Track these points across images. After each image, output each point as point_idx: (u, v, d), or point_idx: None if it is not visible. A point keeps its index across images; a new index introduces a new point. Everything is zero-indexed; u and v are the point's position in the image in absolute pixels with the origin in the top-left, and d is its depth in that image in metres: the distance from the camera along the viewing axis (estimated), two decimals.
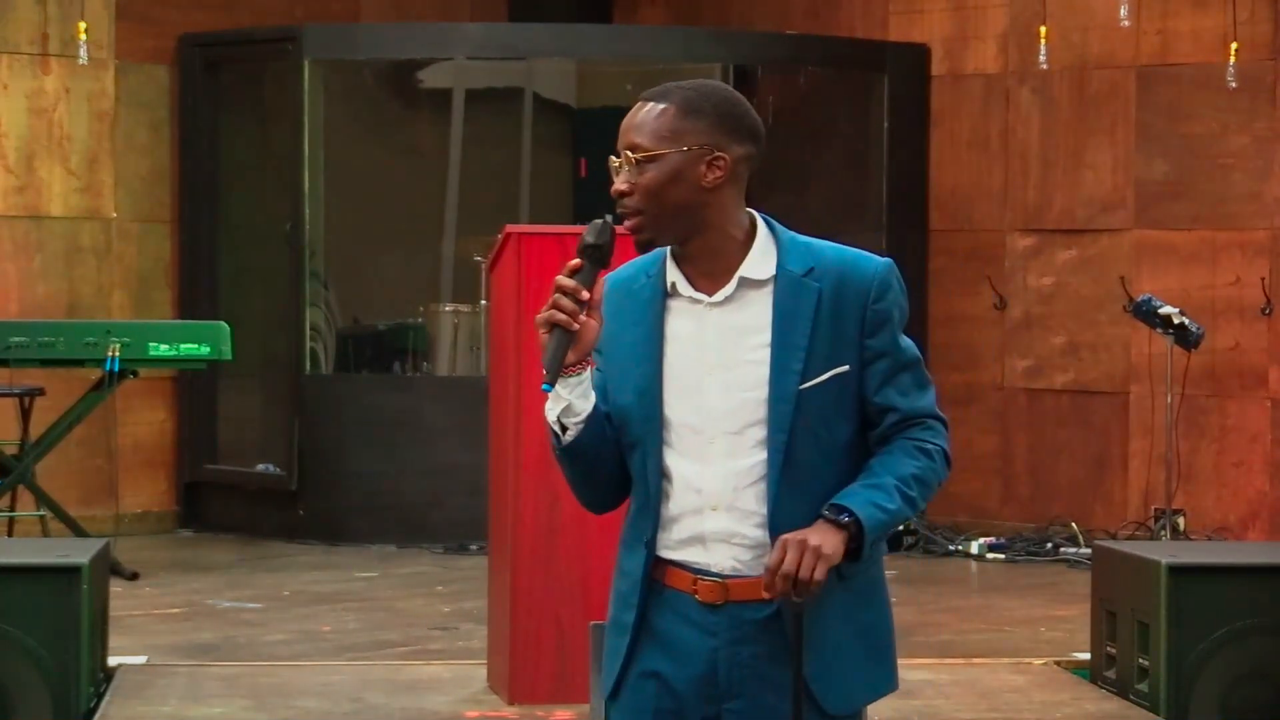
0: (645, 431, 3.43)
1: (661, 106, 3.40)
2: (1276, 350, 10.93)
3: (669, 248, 3.46)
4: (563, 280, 3.33)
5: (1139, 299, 10.34)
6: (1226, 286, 11.02)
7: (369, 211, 12.20)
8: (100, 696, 6.48)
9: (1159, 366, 10.51)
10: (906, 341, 3.46)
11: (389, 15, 12.51)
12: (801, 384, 3.38)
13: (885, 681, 3.52)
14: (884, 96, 11.85)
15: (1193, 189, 11.15)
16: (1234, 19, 10.90)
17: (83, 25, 10.88)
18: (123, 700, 6.55)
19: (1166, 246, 11.20)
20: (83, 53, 10.85)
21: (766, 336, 3.40)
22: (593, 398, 3.40)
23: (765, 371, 3.39)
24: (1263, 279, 10.93)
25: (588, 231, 3.37)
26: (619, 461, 3.49)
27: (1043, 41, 11.14)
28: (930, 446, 3.43)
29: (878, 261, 3.46)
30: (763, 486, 3.39)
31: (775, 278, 3.41)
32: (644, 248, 3.45)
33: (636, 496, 3.49)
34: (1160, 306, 10.10)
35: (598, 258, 3.36)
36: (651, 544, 3.45)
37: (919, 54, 11.90)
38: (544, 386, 3.33)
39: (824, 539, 3.30)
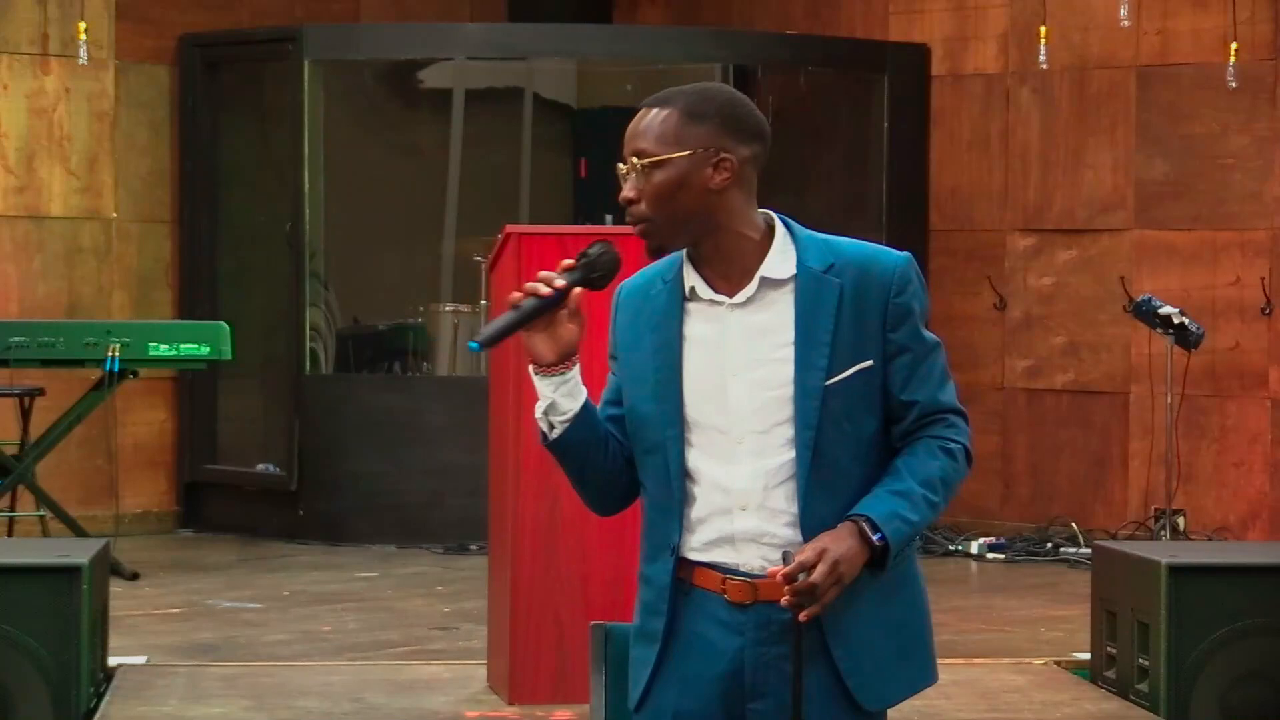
0: (666, 435, 3.43)
1: (665, 112, 3.40)
2: (1276, 350, 10.93)
3: (684, 252, 3.47)
4: (542, 272, 3.37)
5: (1139, 299, 10.33)
6: (1226, 286, 11.02)
7: (369, 211, 12.19)
8: (100, 696, 6.48)
9: (1159, 366, 10.51)
10: (928, 335, 3.47)
11: (389, 15, 12.50)
12: (827, 380, 3.38)
13: (922, 677, 3.51)
14: (884, 96, 11.84)
15: (1193, 189, 11.15)
16: (1234, 19, 10.90)
17: (83, 25, 10.88)
18: (123, 700, 6.55)
19: (1166, 246, 11.20)
20: (83, 53, 10.85)
21: (789, 335, 3.40)
22: (581, 396, 3.42)
23: (790, 370, 3.39)
24: (1263, 279, 10.93)
25: (592, 244, 3.41)
26: (618, 463, 3.49)
27: (1043, 41, 11.14)
28: (953, 445, 3.44)
29: (897, 255, 3.47)
30: (793, 485, 3.39)
31: (796, 276, 3.41)
32: (655, 254, 3.45)
33: (656, 501, 3.48)
34: (1160, 306, 10.10)
35: (586, 265, 3.38)
36: (676, 549, 3.44)
37: (919, 54, 11.90)
38: (470, 344, 3.37)
39: (851, 564, 3.31)
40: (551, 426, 3.43)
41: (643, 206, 3.40)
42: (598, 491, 3.54)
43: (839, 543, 3.32)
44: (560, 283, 3.35)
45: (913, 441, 3.43)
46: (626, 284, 3.53)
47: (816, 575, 3.28)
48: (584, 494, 3.56)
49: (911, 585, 3.50)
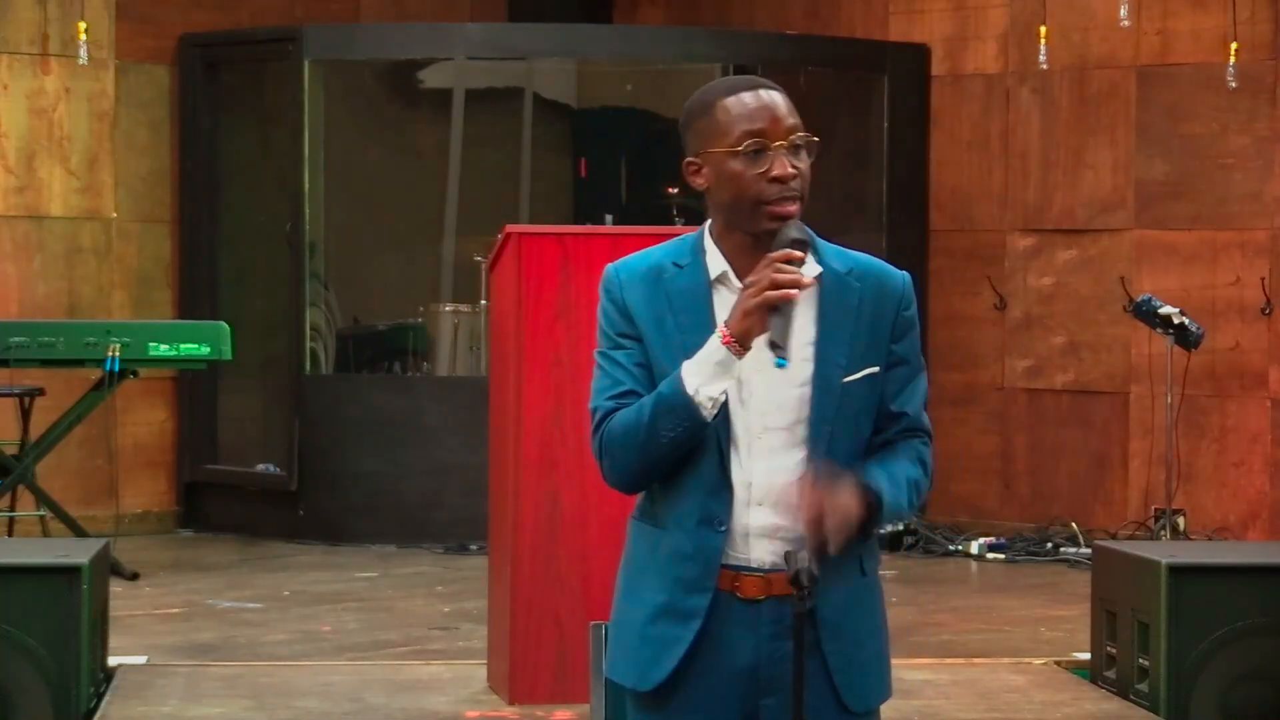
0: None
1: (780, 93, 3.46)
2: (1276, 350, 10.93)
3: (706, 236, 3.45)
4: (785, 265, 3.30)
5: (1139, 299, 10.34)
6: (1226, 286, 11.02)
7: (369, 211, 12.20)
8: (100, 696, 6.48)
9: (1159, 366, 10.51)
10: (920, 355, 3.53)
11: (389, 15, 12.51)
12: (844, 378, 3.41)
13: (887, 689, 3.54)
14: (884, 96, 11.85)
15: (1193, 189, 11.15)
16: (1234, 19, 10.90)
17: (83, 25, 10.88)
18: (123, 700, 6.55)
19: (1166, 246, 11.21)
20: (83, 53, 10.85)
21: (811, 333, 3.41)
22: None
23: (810, 367, 3.40)
24: (1263, 279, 10.93)
25: (793, 228, 3.37)
26: None
27: (1043, 41, 11.14)
28: (926, 462, 3.50)
29: (901, 272, 3.52)
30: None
31: (821, 275, 3.42)
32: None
33: (699, 477, 3.39)
34: (1160, 306, 10.10)
35: (807, 251, 3.38)
36: (728, 525, 3.40)
37: (919, 54, 11.90)
38: (778, 362, 3.29)
39: (851, 501, 3.31)
40: (714, 404, 3.35)
41: (800, 183, 3.41)
42: (660, 470, 3.43)
43: (845, 503, 3.31)
44: (809, 279, 3.34)
45: (890, 448, 3.47)
46: (621, 267, 3.47)
47: (831, 524, 3.27)
48: (649, 472, 3.43)
49: (883, 597, 3.55)
